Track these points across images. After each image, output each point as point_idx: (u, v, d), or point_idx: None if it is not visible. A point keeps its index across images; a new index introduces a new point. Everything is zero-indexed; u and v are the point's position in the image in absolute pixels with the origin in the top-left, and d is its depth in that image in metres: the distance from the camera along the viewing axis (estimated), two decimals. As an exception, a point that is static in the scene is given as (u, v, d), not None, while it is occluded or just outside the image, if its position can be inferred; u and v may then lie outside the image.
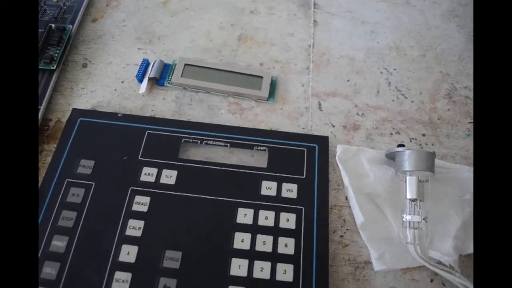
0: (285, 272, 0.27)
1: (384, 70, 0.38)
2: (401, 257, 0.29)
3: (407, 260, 0.29)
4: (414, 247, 0.28)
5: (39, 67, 0.35)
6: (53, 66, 0.35)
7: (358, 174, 0.32)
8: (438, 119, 0.36)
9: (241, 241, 0.28)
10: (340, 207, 0.31)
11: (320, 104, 0.36)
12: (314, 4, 0.43)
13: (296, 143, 0.33)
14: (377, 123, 0.35)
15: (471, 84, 0.38)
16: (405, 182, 0.30)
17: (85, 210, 0.29)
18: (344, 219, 0.31)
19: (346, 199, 0.31)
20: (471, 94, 0.37)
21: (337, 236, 0.30)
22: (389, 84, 0.38)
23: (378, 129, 0.35)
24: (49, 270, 0.27)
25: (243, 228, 0.29)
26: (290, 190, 0.30)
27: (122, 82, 0.36)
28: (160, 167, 0.31)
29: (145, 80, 0.35)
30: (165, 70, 0.36)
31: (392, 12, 0.43)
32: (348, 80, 0.37)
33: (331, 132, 0.34)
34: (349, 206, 0.31)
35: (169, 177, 0.30)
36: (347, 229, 0.30)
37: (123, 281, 0.27)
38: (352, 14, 0.42)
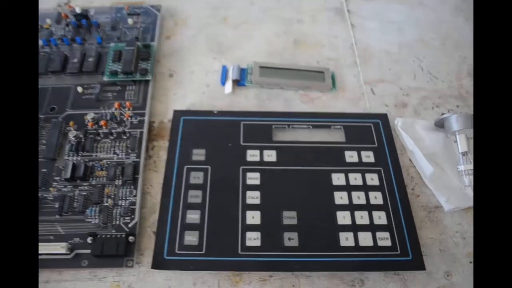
0: (380, 218, 0.34)
1: (416, 58, 0.47)
2: (463, 199, 0.36)
3: (468, 200, 0.36)
4: (472, 189, 0.36)
5: (136, 79, 0.41)
6: (148, 77, 0.41)
7: (417, 139, 0.39)
8: (466, 93, 0.44)
9: (340, 198, 0.35)
10: (407, 167, 0.39)
11: (372, 90, 0.44)
12: (348, 11, 0.51)
13: (363, 120, 0.40)
14: (420, 100, 0.43)
15: (485, 64, 0.47)
16: (456, 140, 0.38)
17: (208, 187, 0.35)
18: (412, 176, 0.38)
19: (410, 160, 0.39)
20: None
21: (410, 189, 0.37)
22: (422, 69, 0.46)
23: (422, 105, 0.43)
24: (190, 238, 0.33)
25: (339, 188, 0.36)
26: (368, 156, 0.38)
27: (208, 86, 0.43)
28: (261, 149, 0.37)
29: (229, 82, 0.42)
30: (242, 73, 0.43)
31: (411, 12, 0.52)
32: (389, 69, 0.46)
33: (386, 110, 0.42)
34: (414, 166, 0.39)
35: (270, 155, 0.37)
36: (415, 184, 0.38)
37: (254, 239, 0.33)
38: (380, 16, 0.51)
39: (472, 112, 0.38)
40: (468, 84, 0.45)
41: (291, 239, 0.33)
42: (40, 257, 0.30)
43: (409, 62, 0.46)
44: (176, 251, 0.32)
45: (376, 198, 0.35)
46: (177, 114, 0.40)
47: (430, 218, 0.36)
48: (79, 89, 0.40)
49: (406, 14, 0.51)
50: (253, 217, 0.34)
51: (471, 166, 0.37)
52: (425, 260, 0.32)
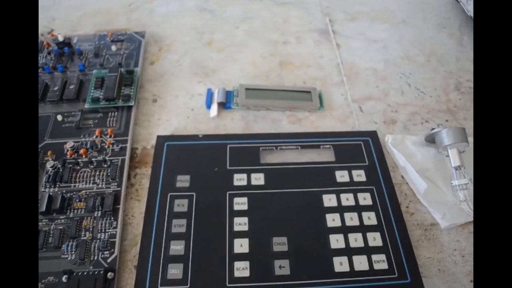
0: (374, 239, 0.33)
1: (402, 75, 0.46)
2: (459, 214, 0.35)
3: (464, 216, 0.35)
4: (467, 204, 0.35)
5: (119, 105, 0.40)
6: (131, 103, 0.40)
7: (408, 155, 0.38)
8: (454, 107, 0.44)
9: (332, 220, 0.34)
10: (399, 184, 0.37)
11: (360, 107, 0.43)
12: (333, 31, 0.51)
13: (352, 138, 0.39)
14: (409, 116, 0.42)
15: (471, 77, 0.47)
16: (448, 155, 0.37)
17: (193, 215, 0.34)
18: (405, 193, 0.37)
19: (402, 177, 0.38)
20: (472, 84, 0.46)
21: (404, 207, 0.36)
22: (409, 85, 0.45)
23: (411, 120, 0.42)
24: (174, 271, 0.31)
25: (331, 210, 0.34)
26: (359, 175, 0.36)
27: (192, 110, 0.42)
28: (248, 172, 0.36)
29: (214, 105, 0.41)
30: (228, 95, 0.42)
31: (395, 30, 0.52)
32: (377, 86, 0.45)
33: (376, 127, 0.41)
34: (407, 183, 0.38)
35: (258, 179, 0.36)
36: (410, 201, 0.37)
37: (243, 268, 0.31)
38: (364, 35, 0.51)
39: (461, 126, 0.37)
40: (455, 98, 0.45)
41: (282, 267, 0.31)
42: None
43: (396, 78, 0.46)
44: (159, 286, 0.30)
45: (370, 218, 0.34)
46: (161, 139, 0.39)
47: (426, 236, 0.35)
48: (59, 117, 0.39)
49: (389, 33, 0.52)
50: (241, 245, 0.32)
51: (466, 181, 0.35)
52: (424, 282, 0.31)
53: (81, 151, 0.36)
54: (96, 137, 0.37)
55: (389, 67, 0.47)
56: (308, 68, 0.47)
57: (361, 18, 0.53)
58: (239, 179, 0.36)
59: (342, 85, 0.45)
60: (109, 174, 0.35)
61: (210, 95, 0.42)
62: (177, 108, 0.42)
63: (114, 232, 0.32)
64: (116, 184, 0.34)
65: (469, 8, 0.50)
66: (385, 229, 0.33)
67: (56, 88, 0.41)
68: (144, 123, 0.41)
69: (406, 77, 0.46)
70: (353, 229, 0.33)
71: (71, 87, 0.41)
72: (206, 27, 0.51)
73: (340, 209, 0.34)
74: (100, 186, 0.34)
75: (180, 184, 0.35)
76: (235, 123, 0.41)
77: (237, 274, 0.31)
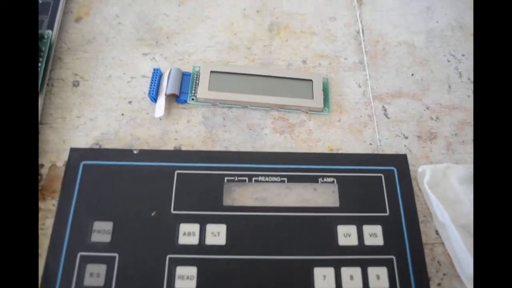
0: None
1: (451, 57, 0.31)
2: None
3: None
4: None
5: (16, 93, 0.26)
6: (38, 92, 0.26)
7: (450, 201, 0.25)
8: (525, 114, 0.29)
9: (326, 314, 0.22)
10: (431, 245, 0.25)
11: (385, 109, 0.29)
12: (354, -25, 0.34)
13: (368, 167, 0.26)
14: (455, 128, 0.28)
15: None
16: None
17: (113, 292, 0.22)
18: (438, 261, 0.24)
19: (437, 233, 0.25)
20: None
21: (435, 284, 0.24)
22: (460, 75, 0.30)
23: (458, 135, 0.28)
24: None
25: (325, 295, 0.22)
26: (373, 235, 0.24)
27: (130, 102, 0.28)
28: (203, 222, 0.23)
29: (162, 99, 0.27)
30: (184, 81, 0.28)
31: (447, -21, 0.35)
32: (412, 74, 0.30)
33: (405, 146, 0.27)
34: (442, 243, 0.25)
35: (217, 234, 0.23)
36: (444, 274, 0.24)
37: None
38: (401, -15, 0.34)
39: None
40: (529, 100, 0.30)
41: None
42: None
43: (442, 62, 0.31)
44: None
45: (383, 312, 0.22)
46: (75, 155, 0.25)
47: (464, 334, 0.23)
48: None
49: (440, -18, 0.35)
50: None
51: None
52: None
53: None
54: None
55: (433, 43, 0.32)
56: (311, 37, 0.31)
57: (399, -45, 0.36)
58: (187, 234, 0.23)
59: (360, 69, 0.30)
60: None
61: (157, 79, 0.27)
62: (107, 98, 0.28)
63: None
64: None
65: None
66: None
67: None
68: (56, 121, 0.27)
69: (456, 61, 0.31)
70: (356, 331, 0.21)
71: None
72: (166, -41, 0.34)
73: (339, 295, 0.22)
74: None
75: (97, 237, 0.23)
76: (192, 128, 0.27)
77: None
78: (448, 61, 0.31)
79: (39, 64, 0.27)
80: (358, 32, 0.31)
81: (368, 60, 0.30)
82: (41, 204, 0.24)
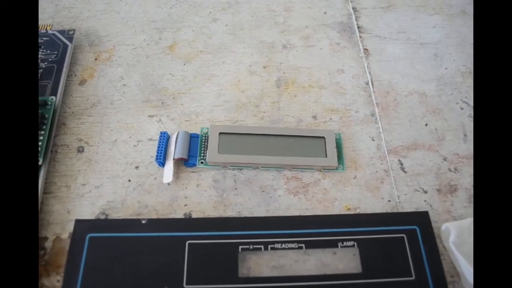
0: None
1: (464, 104, 0.30)
2: None
3: None
4: None
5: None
6: (38, 161, 0.25)
7: (481, 262, 0.23)
8: (546, 161, 0.28)
9: None
10: (464, 310, 0.23)
11: (401, 163, 0.27)
12: (358, 27, 0.34)
13: (389, 228, 0.24)
14: (477, 179, 0.27)
15: None
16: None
17: None
18: (474, 329, 0.22)
19: (468, 296, 0.23)
20: None
21: None
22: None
23: (480, 187, 0.27)
24: None
25: None
26: (402, 304, 0.22)
27: (137, 167, 0.27)
28: (218, 297, 0.22)
29: (170, 164, 0.26)
30: (193, 143, 0.27)
31: (451, 26, 0.35)
32: (426, 125, 0.29)
33: (425, 201, 0.26)
34: (476, 308, 0.23)
35: (234, 311, 0.21)
36: None
37: None
38: (406, 34, 0.34)
39: None
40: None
41: None
42: None
43: (455, 110, 0.30)
44: None
45: None
46: (80, 227, 0.24)
47: None
48: None
49: (444, 30, 0.35)
50: None
51: None
52: None
53: None
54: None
55: (444, 90, 0.31)
56: (320, 90, 0.30)
57: (400, 5, 0.36)
58: (202, 312, 0.21)
59: (372, 121, 0.29)
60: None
61: (165, 143, 0.27)
62: (113, 164, 0.27)
63: None
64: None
65: None
66: None
67: None
68: (60, 190, 0.26)
69: (470, 108, 0.30)
70: None
71: None
72: (168, 20, 0.34)
73: None
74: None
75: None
76: (202, 193, 0.26)
77: None
78: (461, 108, 0.30)
79: (42, 132, 0.26)
80: (367, 84, 0.31)
81: (380, 112, 0.30)
82: (45, 281, 0.23)
